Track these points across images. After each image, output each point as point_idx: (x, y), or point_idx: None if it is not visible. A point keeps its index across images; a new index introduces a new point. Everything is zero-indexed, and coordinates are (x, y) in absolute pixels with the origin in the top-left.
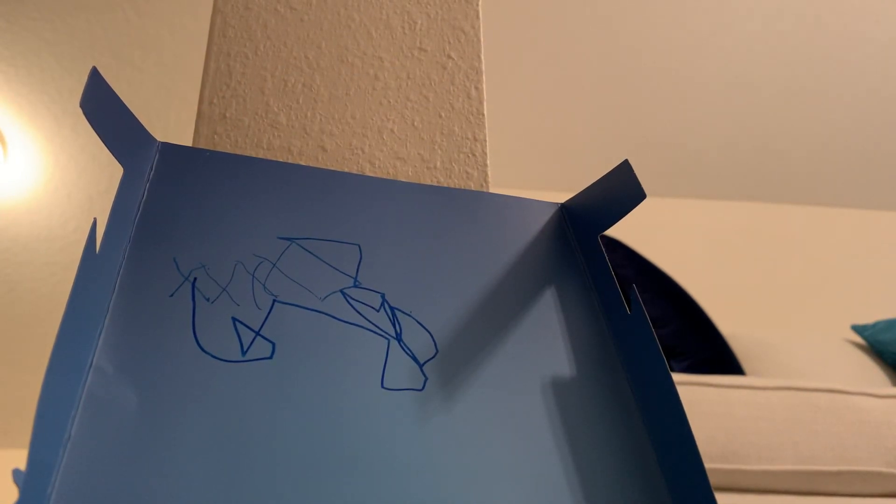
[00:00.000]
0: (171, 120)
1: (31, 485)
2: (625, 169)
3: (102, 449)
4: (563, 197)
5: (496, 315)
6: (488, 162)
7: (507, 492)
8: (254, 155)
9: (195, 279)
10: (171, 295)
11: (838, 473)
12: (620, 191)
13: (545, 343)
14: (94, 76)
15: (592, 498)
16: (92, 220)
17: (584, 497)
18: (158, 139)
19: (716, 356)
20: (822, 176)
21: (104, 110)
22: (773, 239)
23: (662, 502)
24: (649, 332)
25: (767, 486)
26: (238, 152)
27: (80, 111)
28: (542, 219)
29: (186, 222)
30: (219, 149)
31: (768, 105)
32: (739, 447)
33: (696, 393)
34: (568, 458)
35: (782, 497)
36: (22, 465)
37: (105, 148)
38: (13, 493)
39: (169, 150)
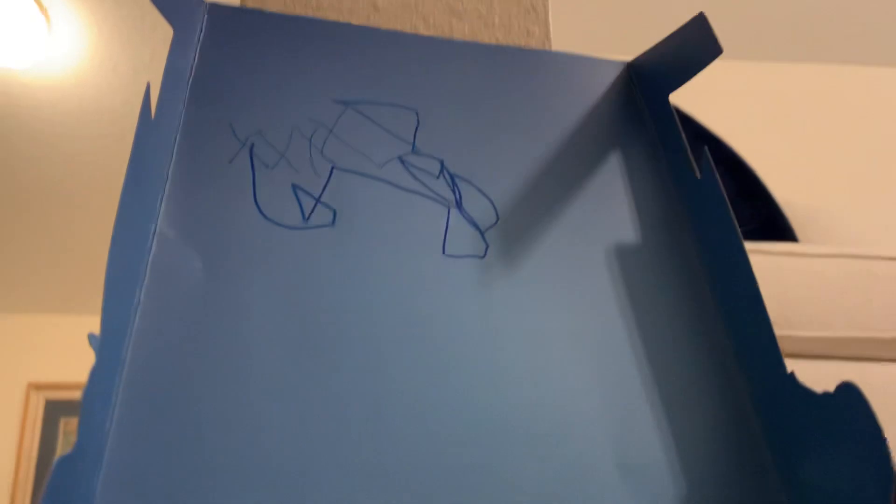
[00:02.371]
0: None
1: (105, 349)
2: (699, 22)
3: (171, 315)
4: (629, 58)
5: (559, 181)
6: (550, 19)
7: (569, 359)
8: (303, 14)
9: (252, 145)
10: (231, 161)
11: (892, 340)
12: (693, 46)
13: (610, 209)
14: None
15: (657, 365)
16: (140, 90)
17: (649, 365)
18: None
19: (770, 223)
20: (889, 35)
21: None
22: (830, 104)
23: (729, 367)
24: (720, 196)
25: (820, 352)
26: (286, 11)
27: None
28: (608, 79)
29: (240, 86)
30: (267, 8)
31: None
32: (792, 314)
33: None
34: (633, 325)
35: (835, 362)
36: (96, 331)
37: (146, 18)
38: (91, 356)
39: (217, 10)
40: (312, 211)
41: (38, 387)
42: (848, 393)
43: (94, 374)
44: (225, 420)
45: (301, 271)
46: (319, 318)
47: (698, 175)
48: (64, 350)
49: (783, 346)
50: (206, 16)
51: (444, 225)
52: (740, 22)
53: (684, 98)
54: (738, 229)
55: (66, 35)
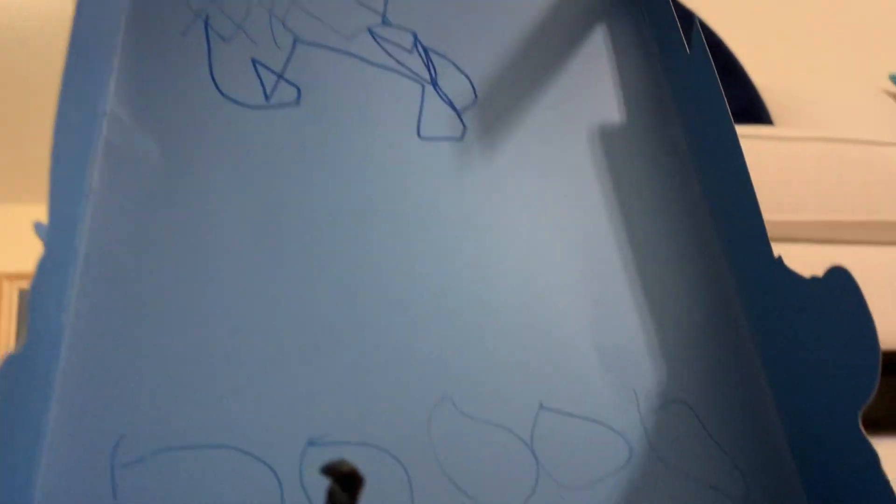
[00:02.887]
0: None
1: (56, 239)
2: None
3: (128, 203)
4: None
5: (541, 59)
6: None
7: (551, 246)
8: None
9: (207, 16)
10: (184, 33)
11: (862, 223)
12: None
13: (594, 89)
14: None
15: (640, 250)
16: None
17: (632, 250)
18: None
19: (747, 106)
20: None
21: None
22: None
23: (714, 252)
24: (710, 73)
25: (791, 236)
26: None
27: None
28: None
29: None
30: None
31: None
32: (765, 198)
33: None
34: (616, 210)
35: (805, 245)
36: (18, 228)
37: None
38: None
39: None
40: (275, 88)
41: (10, 277)
42: (838, 276)
43: (43, 265)
44: (187, 310)
45: (264, 154)
46: (285, 205)
47: (688, 50)
48: (35, 239)
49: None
50: None
51: (419, 104)
52: None
53: None
54: (728, 107)
55: None
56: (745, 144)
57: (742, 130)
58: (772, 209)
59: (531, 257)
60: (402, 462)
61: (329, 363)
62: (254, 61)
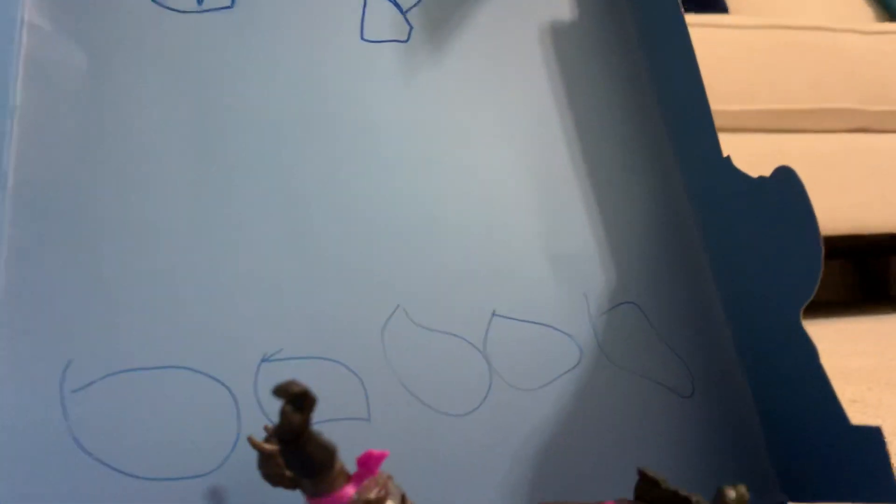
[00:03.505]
0: None
1: None
2: None
3: (55, 119)
4: None
5: None
6: None
7: (499, 151)
8: None
9: None
10: None
11: (812, 111)
12: None
13: None
14: None
15: (590, 154)
16: None
17: (582, 154)
18: None
19: None
20: None
21: None
22: None
23: (663, 152)
24: None
25: (743, 126)
26: None
27: None
28: None
29: None
30: None
31: None
32: (717, 88)
33: None
34: (566, 111)
35: (757, 135)
36: None
37: None
38: None
39: None
40: None
41: None
42: (785, 175)
43: None
44: (128, 229)
45: (198, 62)
46: (221, 114)
47: None
48: None
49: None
50: None
51: (362, 4)
52: None
53: None
54: (681, 4)
55: None
56: (698, 34)
57: (695, 19)
58: (725, 99)
59: (480, 164)
60: (358, 374)
61: (277, 278)
62: None
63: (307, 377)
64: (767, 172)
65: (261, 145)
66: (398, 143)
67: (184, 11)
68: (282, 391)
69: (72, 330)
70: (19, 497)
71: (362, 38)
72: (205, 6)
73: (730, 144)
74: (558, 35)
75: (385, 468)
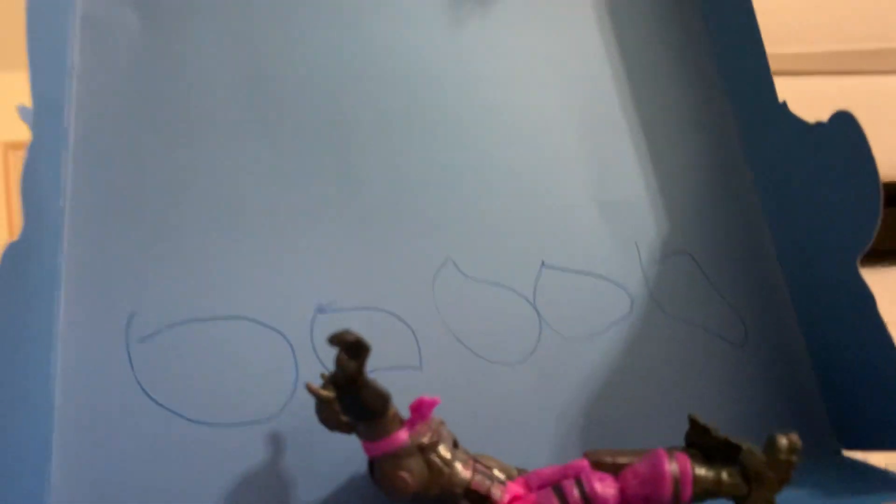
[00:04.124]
0: None
1: (43, 122)
2: None
3: (112, 76)
4: None
5: None
6: None
7: (550, 97)
8: None
9: None
10: None
11: (875, 52)
12: None
13: None
14: None
15: (641, 100)
16: None
17: (633, 100)
18: None
19: None
20: None
21: None
22: None
23: (716, 98)
24: None
25: (803, 68)
26: None
27: None
28: None
29: None
30: None
31: None
32: (776, 30)
33: None
34: (616, 57)
35: (819, 78)
36: (23, 97)
37: None
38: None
39: None
40: None
41: (15, 146)
42: (843, 121)
43: (33, 150)
44: (184, 182)
45: (247, 13)
46: (277, 72)
47: None
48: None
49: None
50: None
51: None
52: None
53: None
54: None
55: None
56: None
57: None
58: (785, 41)
59: (532, 113)
60: (409, 324)
61: (331, 230)
62: None
63: (360, 328)
64: (828, 117)
65: (311, 96)
66: (448, 94)
67: None
68: (337, 339)
69: (134, 283)
70: (91, 444)
71: None
72: None
73: (789, 88)
74: None
75: (437, 414)
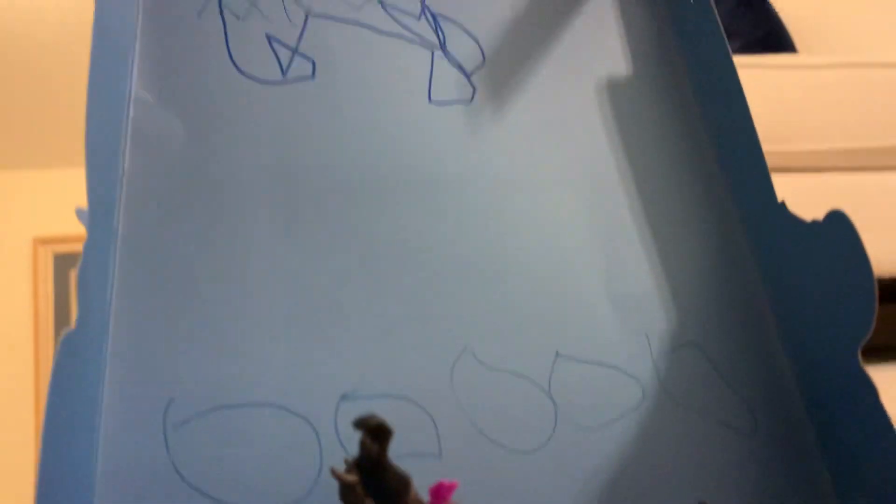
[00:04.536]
0: None
1: (96, 223)
2: None
3: (158, 181)
4: None
5: (546, 15)
6: None
7: (562, 200)
8: None
9: None
10: (200, 14)
11: (887, 149)
12: None
13: (600, 41)
14: None
15: (649, 200)
16: None
17: (641, 200)
18: None
19: (769, 34)
20: None
21: None
22: None
23: (721, 198)
24: (713, 18)
25: (819, 165)
26: None
27: None
28: None
29: None
30: None
31: None
32: (791, 128)
33: (745, 75)
34: (623, 161)
35: (834, 174)
36: (68, 189)
37: None
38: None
39: None
40: (290, 63)
41: (44, 241)
42: (836, 220)
43: (88, 249)
44: (219, 280)
45: (284, 128)
46: (306, 176)
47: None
48: (64, 203)
49: (782, 162)
50: None
51: (429, 69)
52: None
53: None
54: (731, 53)
55: None
56: (766, 75)
57: (764, 60)
58: (799, 139)
59: (543, 211)
60: (429, 412)
61: (356, 322)
62: (268, 37)
63: (382, 414)
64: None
65: (339, 200)
66: (465, 195)
67: (270, 83)
68: (361, 423)
69: (173, 371)
70: None
71: (430, 100)
72: (288, 78)
73: (807, 184)
74: (614, 88)
75: (456, 498)
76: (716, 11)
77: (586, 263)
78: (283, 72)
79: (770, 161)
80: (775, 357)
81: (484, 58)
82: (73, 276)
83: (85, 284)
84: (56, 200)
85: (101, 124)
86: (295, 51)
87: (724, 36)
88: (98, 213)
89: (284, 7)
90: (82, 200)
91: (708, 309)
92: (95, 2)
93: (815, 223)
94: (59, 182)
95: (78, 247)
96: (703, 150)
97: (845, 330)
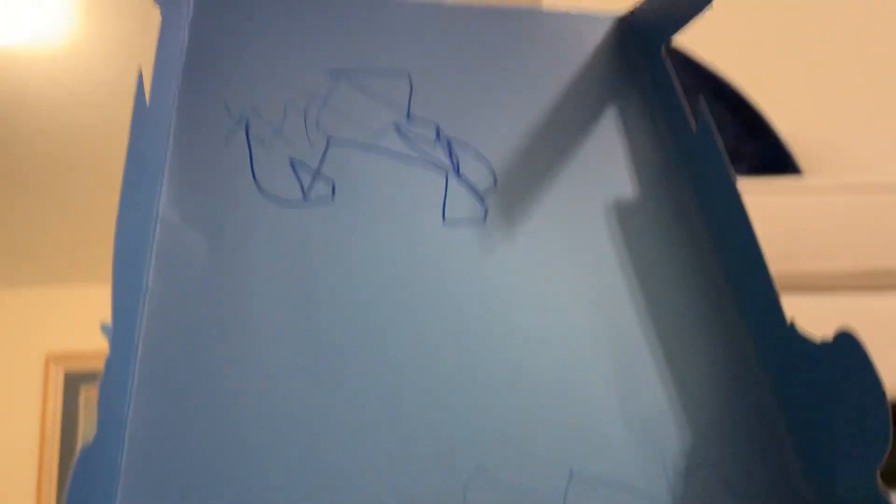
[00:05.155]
0: None
1: (118, 338)
2: None
3: (179, 299)
4: (622, 11)
5: (555, 140)
6: None
7: (572, 320)
8: None
9: (247, 122)
10: (226, 140)
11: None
12: None
13: (607, 167)
14: None
15: (659, 322)
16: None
17: (652, 322)
18: None
19: (773, 158)
20: None
21: None
22: (834, 31)
23: (731, 321)
24: (716, 149)
25: (829, 285)
26: None
27: None
28: (601, 34)
29: (232, 62)
30: None
31: None
32: (798, 249)
33: (751, 201)
34: (633, 283)
35: (841, 295)
36: (82, 305)
37: None
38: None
39: None
40: (311, 186)
41: (56, 358)
42: (846, 343)
43: (110, 363)
44: (239, 403)
45: (304, 249)
46: (326, 296)
47: (694, 129)
48: (77, 319)
49: (791, 282)
50: None
51: (443, 192)
52: None
53: (685, 34)
54: (736, 181)
55: (55, 7)
56: (772, 200)
57: (769, 186)
58: (807, 260)
59: (556, 332)
60: None
61: (369, 446)
62: (291, 161)
63: None
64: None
65: (353, 321)
66: (477, 314)
67: (292, 204)
68: None
69: (186, 490)
70: None
71: (444, 221)
72: (309, 200)
73: (817, 305)
74: (623, 211)
75: None
76: (719, 139)
77: (601, 383)
78: (304, 195)
79: (778, 281)
80: (793, 480)
81: (496, 180)
82: (83, 394)
83: (105, 400)
84: (68, 316)
85: (129, 246)
86: (316, 174)
87: (728, 162)
88: (120, 329)
89: (307, 134)
90: (94, 316)
91: (722, 429)
92: (131, 128)
93: (824, 344)
94: (71, 298)
95: (89, 364)
96: (711, 271)
97: (861, 453)
